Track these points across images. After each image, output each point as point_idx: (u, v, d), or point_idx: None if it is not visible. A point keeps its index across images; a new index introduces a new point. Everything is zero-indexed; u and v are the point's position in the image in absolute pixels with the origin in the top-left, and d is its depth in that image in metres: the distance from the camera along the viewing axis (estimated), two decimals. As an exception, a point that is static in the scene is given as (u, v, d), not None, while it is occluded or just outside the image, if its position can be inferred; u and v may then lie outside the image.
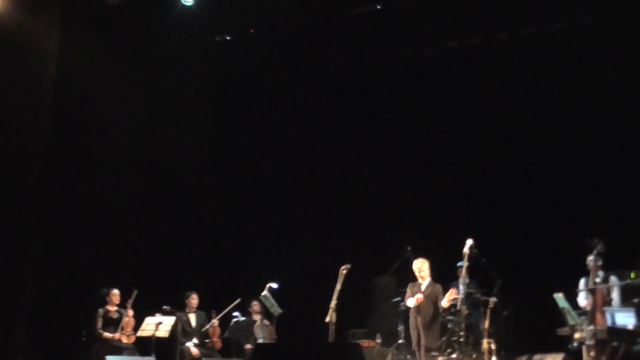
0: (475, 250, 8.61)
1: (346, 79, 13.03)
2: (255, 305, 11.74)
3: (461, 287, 8.73)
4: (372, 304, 11.79)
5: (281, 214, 12.93)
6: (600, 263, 8.44)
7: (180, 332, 10.98)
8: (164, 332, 10.57)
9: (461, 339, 8.97)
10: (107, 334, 10.60)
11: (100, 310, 10.76)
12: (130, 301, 10.69)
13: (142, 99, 12.47)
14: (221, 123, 13.54)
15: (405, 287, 10.78)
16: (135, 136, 12.46)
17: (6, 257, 10.10)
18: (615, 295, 8.69)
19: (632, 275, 8.56)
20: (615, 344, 7.43)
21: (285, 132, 13.21)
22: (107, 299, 10.84)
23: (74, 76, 11.39)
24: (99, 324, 10.69)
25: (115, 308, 10.89)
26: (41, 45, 10.64)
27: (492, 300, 9.05)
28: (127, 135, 12.35)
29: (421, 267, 9.09)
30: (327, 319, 8.83)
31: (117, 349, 10.56)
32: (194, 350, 10.88)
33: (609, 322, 7.88)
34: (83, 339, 10.68)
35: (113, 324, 10.78)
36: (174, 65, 12.83)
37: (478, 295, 9.67)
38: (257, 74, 13.21)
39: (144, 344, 10.69)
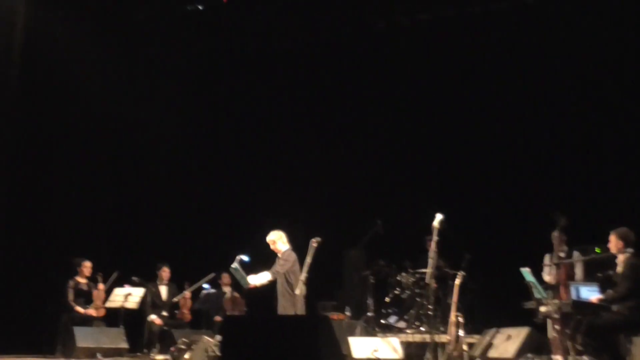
0: (444, 224, 8.66)
1: (319, 51, 12.96)
2: (225, 278, 11.79)
3: (430, 261, 8.78)
4: (342, 276, 11.87)
5: (253, 186, 12.91)
6: (564, 238, 8.60)
7: (149, 303, 10.99)
8: (132, 303, 10.59)
9: (429, 312, 9.08)
10: (78, 308, 10.58)
11: (71, 282, 10.73)
12: (109, 282, 10.65)
13: (112, 67, 12.32)
14: (194, 93, 13.39)
15: (376, 260, 10.93)
16: (105, 104, 12.32)
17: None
18: (578, 270, 8.88)
19: (597, 250, 8.73)
20: (579, 317, 7.59)
21: (258, 104, 13.15)
22: (78, 269, 10.80)
23: (42, 42, 11.22)
24: (70, 295, 10.66)
25: (86, 280, 10.85)
26: (8, 9, 10.43)
27: (461, 274, 9.15)
28: (98, 104, 12.20)
29: (269, 240, 9.16)
30: (297, 292, 8.88)
31: (86, 320, 10.55)
32: (157, 320, 10.88)
33: (573, 296, 8.04)
34: (48, 309, 10.65)
35: (83, 295, 10.77)
36: (145, 34, 12.66)
37: (446, 270, 9.75)
38: (228, 44, 13.08)
39: (112, 315, 10.70)
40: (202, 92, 13.41)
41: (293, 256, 9.00)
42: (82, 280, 10.82)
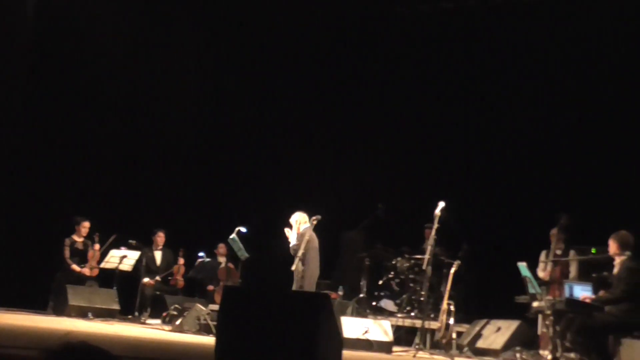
0: (445, 213, 8.71)
1: (336, 32, 12.88)
2: (222, 248, 11.83)
3: (428, 247, 8.84)
4: (338, 257, 11.93)
5: (256, 159, 12.93)
6: (562, 237, 8.67)
7: (144, 268, 11.01)
8: (127, 265, 10.60)
9: (422, 298, 9.13)
10: (74, 266, 10.63)
11: (67, 240, 10.76)
12: (106, 243, 10.69)
13: (127, 29, 12.23)
14: (210, 63, 13.28)
15: (374, 243, 11.00)
16: (117, 66, 12.24)
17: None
18: (573, 269, 8.97)
19: (593, 250, 8.80)
20: (571, 315, 7.67)
21: (269, 83, 13.10)
22: (76, 228, 10.83)
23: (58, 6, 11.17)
24: (67, 252, 10.70)
25: (82, 239, 10.88)
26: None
27: (456, 263, 9.21)
28: (108, 69, 12.11)
29: (292, 222, 9.20)
30: (293, 267, 8.92)
31: (79, 279, 10.60)
32: (150, 282, 10.97)
33: (566, 294, 8.13)
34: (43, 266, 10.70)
35: (78, 254, 10.82)
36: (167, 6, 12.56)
37: (442, 258, 9.81)
38: (251, 17, 12.97)
39: (106, 277, 10.74)
40: (218, 65, 13.27)
41: (306, 236, 8.95)
42: (78, 239, 10.85)
